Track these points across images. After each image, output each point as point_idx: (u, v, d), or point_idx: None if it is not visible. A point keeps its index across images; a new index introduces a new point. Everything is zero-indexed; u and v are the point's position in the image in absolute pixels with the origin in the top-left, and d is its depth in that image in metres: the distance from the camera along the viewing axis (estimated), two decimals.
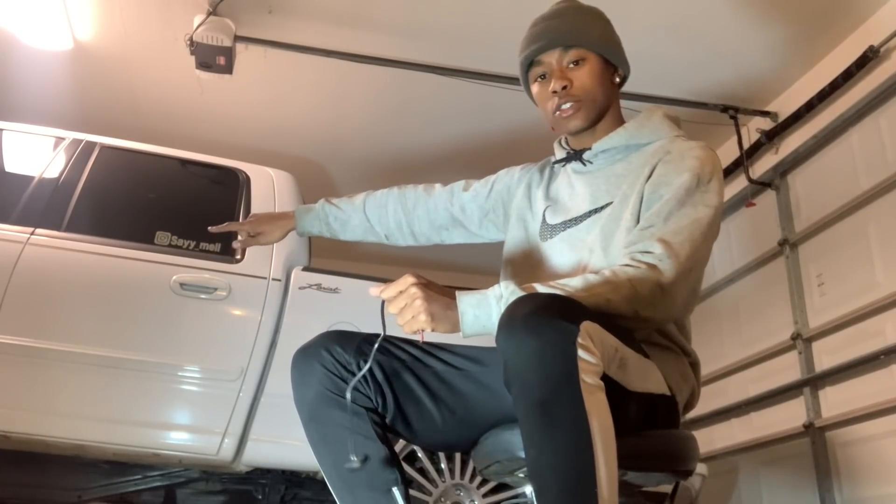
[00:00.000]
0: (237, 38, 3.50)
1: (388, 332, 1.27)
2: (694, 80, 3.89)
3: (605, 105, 1.44)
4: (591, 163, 1.45)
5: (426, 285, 1.19)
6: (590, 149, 1.45)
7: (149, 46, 3.79)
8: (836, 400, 3.45)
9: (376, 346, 1.30)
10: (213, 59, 3.48)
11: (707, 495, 3.75)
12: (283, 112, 4.33)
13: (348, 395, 1.29)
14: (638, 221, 1.32)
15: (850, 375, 3.35)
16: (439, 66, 3.73)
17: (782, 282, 3.89)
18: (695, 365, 1.40)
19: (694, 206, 1.29)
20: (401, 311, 1.18)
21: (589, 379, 1.03)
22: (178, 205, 2.97)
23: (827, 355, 3.55)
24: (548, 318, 1.04)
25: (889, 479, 3.11)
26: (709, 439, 4.21)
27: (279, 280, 2.69)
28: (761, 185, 4.09)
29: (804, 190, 3.90)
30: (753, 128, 4.11)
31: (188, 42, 3.46)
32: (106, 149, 2.90)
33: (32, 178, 2.72)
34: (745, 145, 4.11)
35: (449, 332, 1.18)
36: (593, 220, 1.39)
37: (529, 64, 1.45)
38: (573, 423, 1.01)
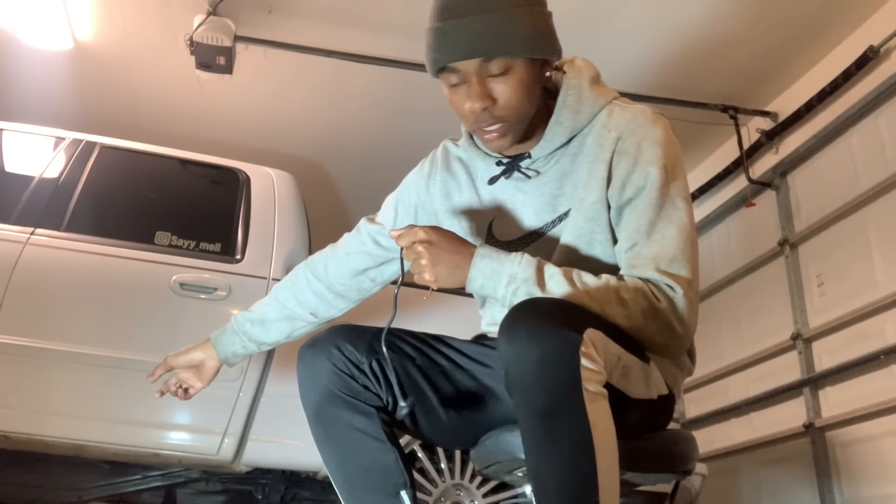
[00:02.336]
0: (237, 38, 3.50)
1: (394, 321, 1.27)
2: (694, 80, 3.89)
3: (533, 112, 1.24)
4: (536, 171, 1.29)
5: (435, 243, 1.17)
6: (527, 155, 1.28)
7: (149, 46, 3.80)
8: (836, 400, 3.45)
9: (385, 329, 1.27)
10: (213, 59, 3.48)
11: (707, 495, 3.75)
12: (283, 112, 4.33)
13: (383, 348, 1.25)
14: (611, 231, 1.24)
15: (850, 375, 3.35)
16: None
17: (782, 282, 3.89)
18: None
19: (672, 203, 1.20)
20: (413, 264, 1.19)
21: (592, 387, 1.01)
22: (178, 205, 2.97)
23: (827, 355, 3.55)
24: (551, 326, 1.02)
25: (889, 479, 3.11)
26: (709, 439, 4.21)
27: (279, 280, 2.69)
28: (761, 185, 4.09)
29: (804, 190, 3.90)
30: (753, 128, 4.11)
31: (188, 42, 3.46)
32: (106, 149, 2.90)
33: (32, 178, 2.71)
34: (745, 145, 4.11)
35: (451, 285, 1.18)
36: (557, 232, 1.28)
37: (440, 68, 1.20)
38: (575, 431, 1.00)
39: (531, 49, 1.18)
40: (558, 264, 1.20)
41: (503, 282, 1.14)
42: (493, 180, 1.34)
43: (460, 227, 1.39)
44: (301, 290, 1.54)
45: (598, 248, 1.25)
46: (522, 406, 1.04)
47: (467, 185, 1.39)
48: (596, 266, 1.24)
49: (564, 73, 1.30)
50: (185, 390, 1.57)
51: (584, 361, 1.01)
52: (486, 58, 1.16)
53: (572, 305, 1.10)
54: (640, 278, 1.17)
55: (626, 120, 1.24)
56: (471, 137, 1.37)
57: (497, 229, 1.35)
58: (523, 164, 1.29)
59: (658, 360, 1.26)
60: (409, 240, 1.18)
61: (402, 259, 1.24)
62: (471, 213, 1.39)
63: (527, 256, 1.16)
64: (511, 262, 1.15)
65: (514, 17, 1.16)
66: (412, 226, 1.21)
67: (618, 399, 1.12)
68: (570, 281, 1.14)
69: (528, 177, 1.29)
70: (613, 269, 1.23)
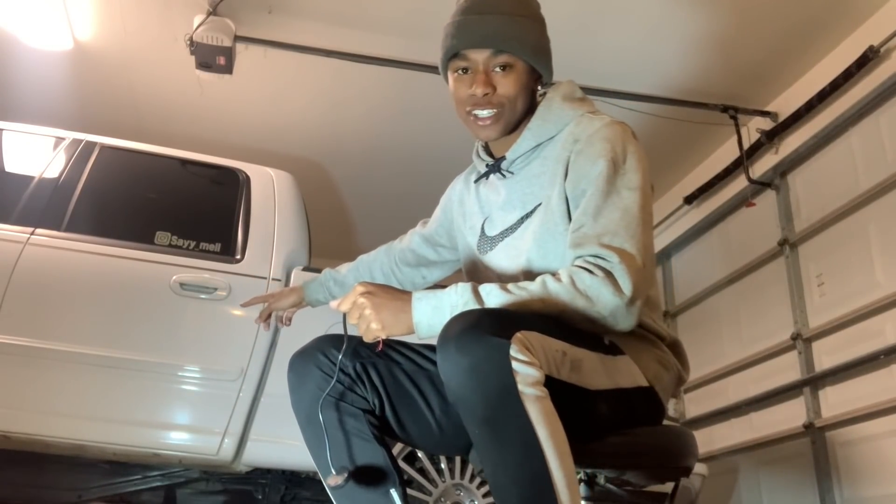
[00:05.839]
0: (237, 38, 3.50)
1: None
2: (694, 80, 3.89)
3: (523, 114, 1.39)
4: (511, 172, 1.42)
5: (374, 293, 1.19)
6: (505, 158, 1.42)
7: (149, 46, 3.80)
8: (836, 400, 3.45)
9: (340, 354, 1.31)
10: (213, 59, 3.48)
11: (707, 495, 3.75)
12: (283, 112, 4.33)
13: (322, 396, 1.31)
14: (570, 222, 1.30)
15: (850, 375, 3.35)
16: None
17: (782, 282, 3.89)
18: (674, 345, 1.38)
19: (618, 192, 1.26)
20: (357, 322, 1.20)
21: (528, 389, 1.03)
22: (178, 205, 2.97)
23: (827, 355, 3.55)
24: (477, 335, 1.04)
25: (889, 479, 3.11)
26: (709, 439, 4.21)
27: (279, 280, 2.69)
28: (761, 185, 4.09)
29: (804, 190, 3.90)
30: (753, 128, 4.11)
31: (188, 42, 3.46)
32: (106, 149, 2.90)
33: (32, 178, 2.72)
34: (745, 145, 4.11)
35: (404, 334, 1.19)
36: (526, 226, 1.38)
37: (453, 54, 1.36)
38: (519, 435, 1.02)
39: (532, 56, 1.35)
40: (530, 256, 1.33)
41: (447, 313, 1.15)
42: (477, 180, 1.52)
43: (462, 223, 1.55)
44: (378, 268, 1.80)
45: (562, 240, 1.31)
46: (466, 417, 1.07)
47: (475, 192, 1.54)
48: (557, 263, 1.30)
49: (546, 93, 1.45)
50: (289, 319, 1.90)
51: (515, 365, 1.03)
52: (496, 51, 1.32)
53: (500, 312, 1.12)
54: (580, 257, 1.21)
55: (586, 126, 1.35)
56: (477, 153, 1.51)
57: (487, 226, 1.48)
58: (503, 165, 1.43)
59: (636, 356, 1.28)
60: (351, 300, 1.21)
61: (344, 323, 1.26)
62: (471, 213, 1.53)
63: (461, 284, 1.19)
64: (447, 294, 1.18)
65: (523, 25, 1.34)
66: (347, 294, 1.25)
67: (577, 394, 1.14)
68: (507, 291, 1.16)
69: (504, 176, 1.43)
70: None
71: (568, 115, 1.38)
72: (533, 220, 1.36)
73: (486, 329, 1.05)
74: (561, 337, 1.14)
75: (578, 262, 1.20)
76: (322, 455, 1.33)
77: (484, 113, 1.35)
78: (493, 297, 1.16)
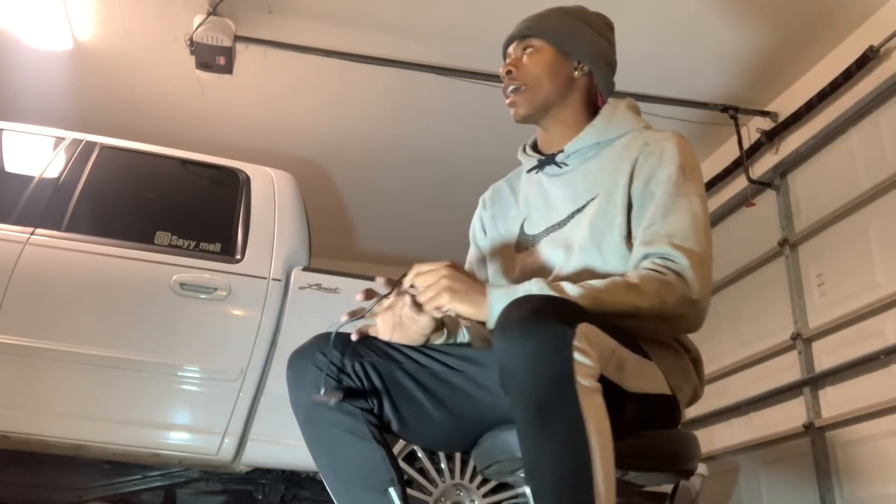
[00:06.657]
0: (237, 38, 3.50)
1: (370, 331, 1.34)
2: (694, 80, 3.89)
3: (555, 97, 1.45)
4: (566, 164, 1.46)
5: (459, 271, 1.23)
6: (562, 151, 1.46)
7: (149, 46, 3.80)
8: (836, 400, 3.45)
9: (332, 336, 1.30)
10: (213, 59, 3.48)
11: (707, 495, 3.76)
12: (283, 112, 4.33)
13: (321, 391, 1.29)
14: (629, 220, 1.33)
15: (850, 375, 3.35)
16: (439, 66, 3.73)
17: (782, 282, 3.89)
18: (696, 361, 1.40)
19: (687, 196, 1.30)
20: (425, 289, 1.22)
21: (585, 381, 1.03)
22: (178, 205, 2.97)
23: (827, 355, 3.55)
24: (543, 320, 1.04)
25: (889, 479, 3.11)
26: (709, 439, 4.21)
27: (279, 280, 2.70)
28: (761, 185, 4.08)
29: (804, 190, 3.90)
30: (753, 128, 4.11)
31: (188, 42, 3.46)
32: (106, 149, 2.90)
33: (32, 178, 2.72)
34: (745, 145, 4.10)
35: (468, 313, 1.20)
36: (577, 220, 1.39)
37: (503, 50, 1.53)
38: (569, 425, 1.01)
39: (555, 39, 1.45)
40: (584, 245, 1.34)
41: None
42: (530, 171, 1.53)
43: (498, 230, 1.56)
44: None
45: (616, 233, 1.33)
46: (516, 401, 1.05)
47: (509, 196, 1.58)
48: (609, 252, 1.32)
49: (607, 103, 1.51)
50: None
51: (576, 356, 1.02)
52: (522, 37, 1.47)
53: (565, 301, 1.12)
54: (648, 257, 1.25)
55: (655, 134, 1.41)
56: (522, 149, 1.57)
57: (527, 225, 1.50)
58: (558, 157, 1.46)
59: (661, 363, 1.28)
60: (435, 267, 1.23)
61: (359, 319, 1.28)
62: (508, 218, 1.55)
63: (534, 279, 1.21)
64: (523, 285, 1.20)
65: (558, 18, 1.47)
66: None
67: (613, 392, 1.13)
68: (580, 286, 1.19)
69: (560, 167, 1.46)
70: (622, 259, 1.31)
71: (631, 122, 1.45)
72: (586, 213, 1.37)
73: (552, 316, 1.05)
74: (612, 335, 1.14)
75: (647, 265, 1.24)
76: (325, 452, 1.32)
77: (511, 91, 1.45)
78: (567, 287, 1.19)
